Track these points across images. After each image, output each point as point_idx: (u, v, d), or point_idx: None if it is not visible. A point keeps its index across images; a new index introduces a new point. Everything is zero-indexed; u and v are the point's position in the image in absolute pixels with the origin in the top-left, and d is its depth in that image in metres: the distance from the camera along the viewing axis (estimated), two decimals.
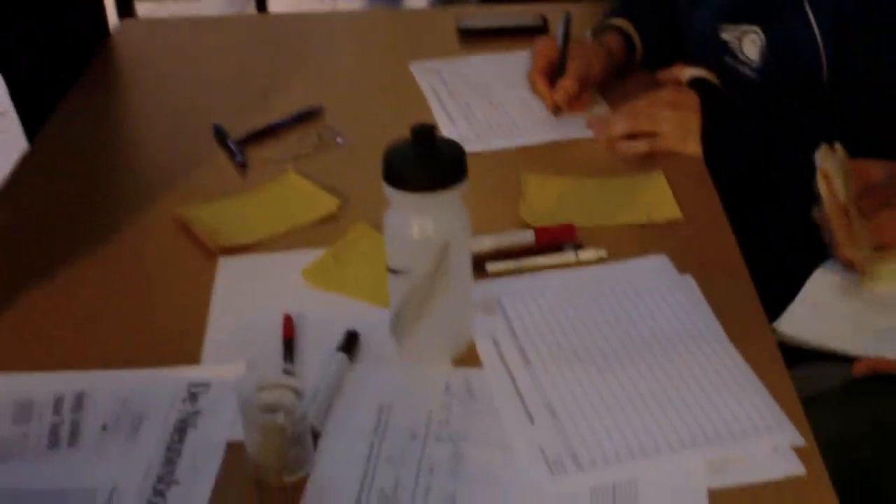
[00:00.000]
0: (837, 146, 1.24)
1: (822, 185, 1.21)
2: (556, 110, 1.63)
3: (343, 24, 2.16)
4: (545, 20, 1.93)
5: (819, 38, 1.47)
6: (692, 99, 1.53)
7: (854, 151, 1.27)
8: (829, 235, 1.24)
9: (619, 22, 1.76)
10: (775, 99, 1.54)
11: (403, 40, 1.99)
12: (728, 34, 1.59)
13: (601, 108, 1.66)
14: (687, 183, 1.47)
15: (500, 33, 1.93)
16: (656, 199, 1.42)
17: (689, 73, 1.59)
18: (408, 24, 2.11)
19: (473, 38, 1.93)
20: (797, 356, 1.60)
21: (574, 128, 1.60)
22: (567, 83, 1.61)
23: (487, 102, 1.69)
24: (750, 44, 1.56)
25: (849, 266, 1.24)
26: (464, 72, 1.79)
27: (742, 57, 1.57)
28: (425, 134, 1.06)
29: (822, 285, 1.28)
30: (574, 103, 1.63)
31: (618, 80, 1.72)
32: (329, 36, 2.02)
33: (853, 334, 1.23)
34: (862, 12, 1.45)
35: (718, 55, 1.60)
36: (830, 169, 1.21)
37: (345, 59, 1.90)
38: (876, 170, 1.25)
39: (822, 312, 1.26)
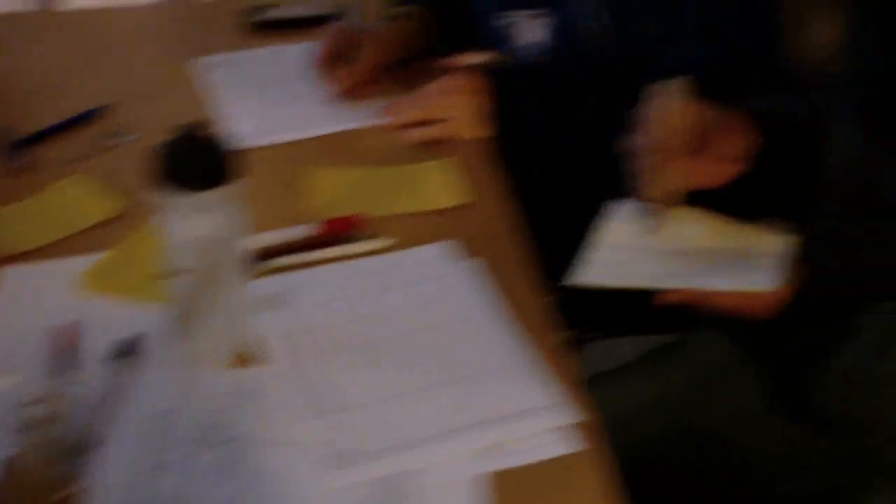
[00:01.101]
0: (681, 83, 1.20)
1: (649, 126, 1.18)
2: (343, 97, 1.62)
3: (133, 18, 2.10)
4: (341, 10, 1.93)
5: (601, 17, 1.51)
6: (480, 83, 1.54)
7: None
8: (640, 174, 1.21)
9: (412, 8, 1.76)
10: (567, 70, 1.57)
11: (195, 34, 1.95)
12: (506, 20, 1.61)
13: (393, 96, 1.66)
14: (478, 167, 1.48)
15: (295, 24, 1.91)
16: (447, 185, 1.43)
17: (476, 57, 1.61)
18: (200, 17, 2.07)
19: (267, 29, 1.91)
20: (595, 329, 1.64)
21: (365, 116, 1.60)
22: (353, 70, 1.61)
23: (279, 94, 1.67)
24: (528, 30, 1.59)
25: (651, 205, 1.21)
26: (257, 64, 1.77)
27: (522, 44, 1.60)
28: (192, 132, 1.05)
29: (619, 228, 1.26)
30: (364, 90, 1.63)
31: (415, 66, 1.73)
32: (119, 31, 1.98)
33: (653, 273, 1.21)
34: None
35: (497, 43, 1.63)
36: (667, 106, 1.18)
37: (134, 55, 1.86)
38: (705, 110, 1.23)
39: (620, 255, 1.24)
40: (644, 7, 1.50)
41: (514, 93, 1.54)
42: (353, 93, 1.62)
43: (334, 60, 1.64)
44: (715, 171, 1.21)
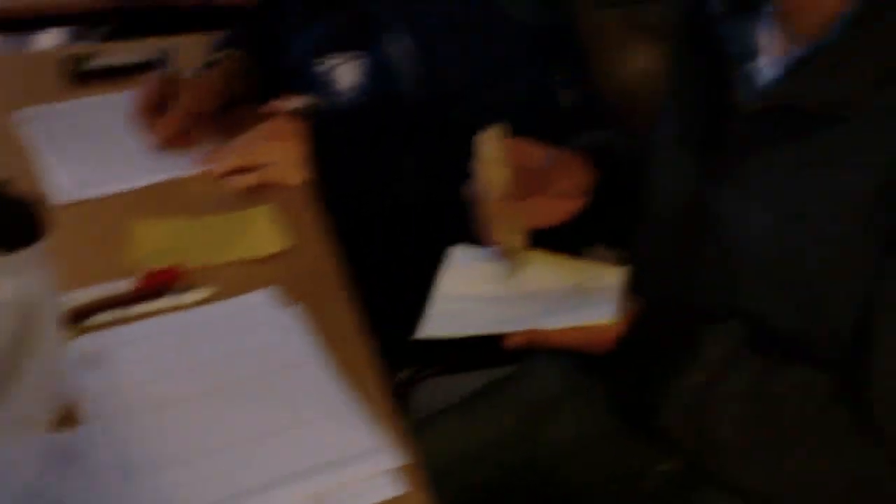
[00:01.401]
0: (496, 129, 1.21)
1: (480, 171, 1.20)
2: (161, 146, 1.61)
3: None
4: (164, 56, 1.90)
5: (413, 58, 1.54)
6: (297, 128, 1.54)
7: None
8: (482, 219, 1.23)
9: (232, 53, 1.76)
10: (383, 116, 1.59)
11: (15, 85, 1.90)
12: (322, 67, 1.63)
13: (214, 143, 1.65)
14: (300, 212, 1.49)
15: (119, 72, 1.88)
16: (269, 232, 1.43)
17: (295, 102, 1.62)
18: (20, 68, 2.02)
19: (90, 78, 1.87)
20: (430, 367, 1.66)
21: (186, 165, 1.58)
22: (170, 119, 1.59)
23: (100, 146, 1.64)
24: (345, 73, 1.61)
25: (500, 250, 1.23)
26: (79, 115, 1.74)
27: (337, 89, 1.62)
28: None
29: (460, 275, 1.26)
30: (182, 139, 1.62)
31: (238, 111, 1.72)
32: None
33: (497, 318, 1.21)
34: (448, 33, 1.52)
35: (317, 87, 1.65)
36: (488, 152, 1.20)
37: None
38: (535, 151, 1.27)
39: (463, 304, 1.23)
40: (447, 53, 1.54)
41: (331, 137, 1.55)
42: (172, 142, 1.60)
43: (152, 110, 1.63)
44: (556, 209, 1.26)
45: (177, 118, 1.60)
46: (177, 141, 1.61)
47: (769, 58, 1.11)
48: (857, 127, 1.00)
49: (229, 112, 1.71)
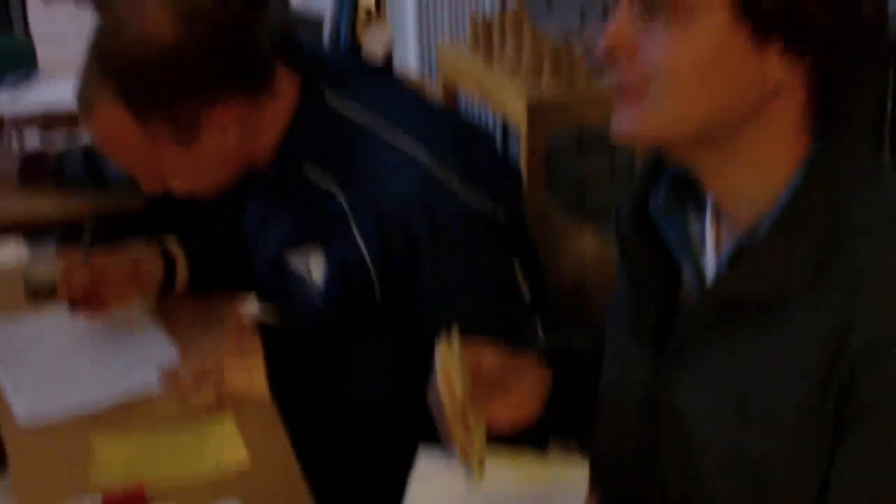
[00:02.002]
0: (452, 338, 1.23)
1: (439, 380, 1.21)
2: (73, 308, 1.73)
3: None
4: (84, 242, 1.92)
5: (369, 261, 1.58)
6: (255, 342, 1.59)
7: None
8: (441, 425, 1.24)
9: (167, 239, 1.84)
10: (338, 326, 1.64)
11: None
12: (295, 261, 1.67)
13: (165, 348, 1.69)
14: (257, 426, 1.51)
15: None
16: (225, 446, 1.45)
17: (251, 310, 1.66)
18: None
19: (42, 294, 1.90)
20: None
21: (145, 381, 1.60)
22: (78, 273, 1.71)
23: (56, 363, 1.67)
24: (315, 266, 1.65)
25: (461, 456, 1.22)
26: (32, 332, 1.76)
27: (309, 282, 1.65)
28: None
29: (425, 483, 1.28)
30: (94, 310, 1.74)
31: (163, 297, 1.81)
32: None
33: None
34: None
35: (286, 283, 1.68)
36: (445, 362, 1.21)
37: None
38: (491, 356, 1.29)
39: None
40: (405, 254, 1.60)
41: (285, 351, 1.60)
42: (83, 301, 1.72)
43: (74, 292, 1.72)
44: (513, 414, 1.27)
45: (83, 272, 1.71)
46: (87, 309, 1.74)
47: (712, 251, 1.17)
48: (795, 317, 1.04)
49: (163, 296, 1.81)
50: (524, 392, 1.30)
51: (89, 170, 2.33)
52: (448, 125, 1.67)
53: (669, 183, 1.19)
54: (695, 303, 1.14)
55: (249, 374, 1.57)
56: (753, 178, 1.09)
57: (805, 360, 1.03)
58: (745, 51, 1.03)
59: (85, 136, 2.60)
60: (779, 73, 1.04)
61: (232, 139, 1.57)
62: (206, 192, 1.67)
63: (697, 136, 1.07)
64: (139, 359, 1.67)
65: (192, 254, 1.83)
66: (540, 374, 1.33)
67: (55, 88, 3.20)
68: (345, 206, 1.59)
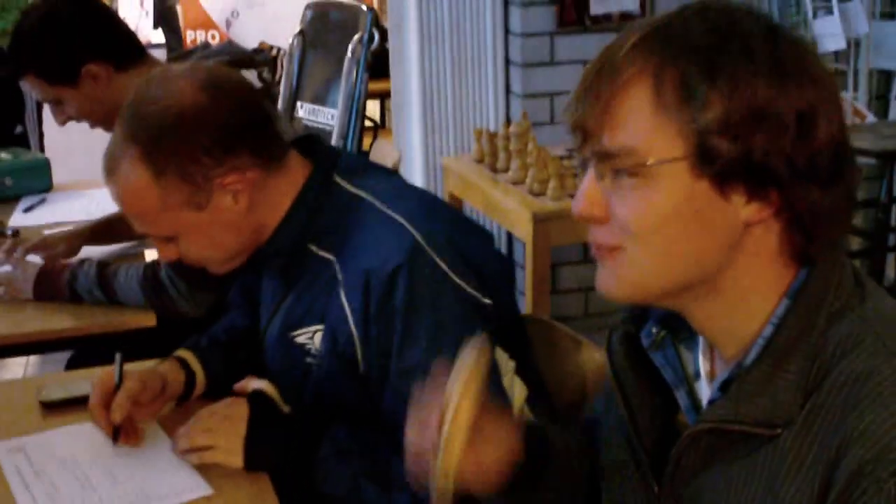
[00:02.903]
0: (483, 341, 1.23)
1: (452, 382, 1.19)
2: (116, 437, 1.74)
3: None
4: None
5: (352, 324, 1.65)
6: (242, 410, 1.65)
7: None
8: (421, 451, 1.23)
9: (182, 353, 1.91)
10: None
11: None
12: (301, 335, 1.75)
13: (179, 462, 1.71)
14: (246, 495, 1.57)
15: (83, 401, 1.94)
16: None
17: (253, 384, 1.71)
18: None
19: (56, 409, 1.93)
20: None
21: (162, 494, 1.62)
22: (118, 401, 1.73)
23: (73, 478, 1.69)
24: (317, 339, 1.72)
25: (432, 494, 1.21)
26: (48, 447, 1.79)
27: (312, 353, 1.74)
28: None
29: None
30: (133, 434, 1.76)
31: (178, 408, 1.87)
32: None
33: None
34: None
35: (298, 357, 1.76)
36: (470, 364, 1.20)
37: None
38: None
39: None
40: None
41: (270, 422, 1.67)
42: (123, 423, 1.74)
43: (105, 405, 1.76)
44: (484, 475, 1.26)
45: (124, 400, 1.73)
46: (131, 434, 1.76)
47: (706, 378, 1.19)
48: (789, 441, 1.06)
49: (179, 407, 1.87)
50: (496, 442, 1.27)
51: (103, 285, 2.37)
52: (446, 214, 1.79)
53: (658, 320, 1.22)
54: (690, 429, 1.15)
55: (234, 440, 1.64)
56: (740, 314, 1.12)
57: (802, 484, 1.04)
58: (710, 199, 1.06)
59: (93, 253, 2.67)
60: (748, 211, 1.07)
61: (242, 206, 1.68)
62: (217, 261, 1.77)
63: (677, 286, 1.10)
64: (155, 471, 1.69)
65: (208, 366, 1.91)
66: (512, 434, 1.29)
67: (66, 203, 3.27)
68: (338, 272, 1.68)
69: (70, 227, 2.78)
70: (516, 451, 1.28)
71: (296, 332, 1.76)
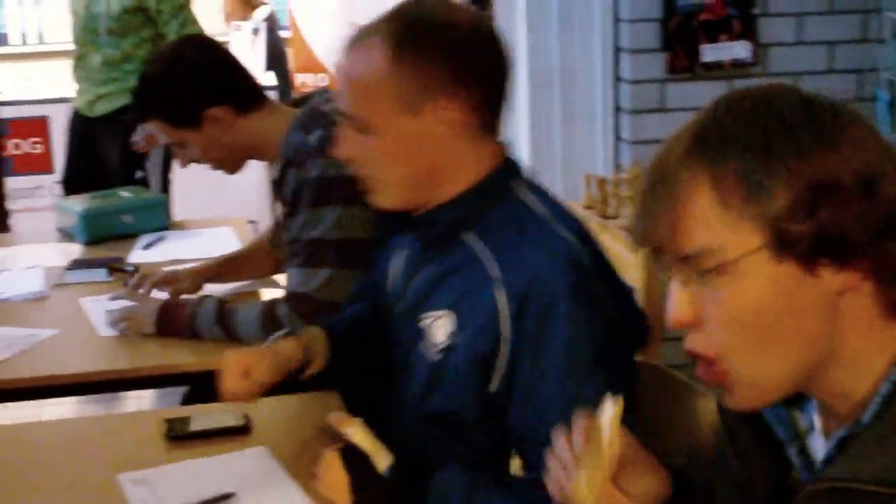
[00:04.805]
0: (616, 402, 1.28)
1: (589, 442, 1.25)
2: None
3: (50, 433, 2.17)
4: (248, 420, 2.02)
5: (503, 328, 1.64)
6: (341, 480, 1.67)
7: None
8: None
9: (311, 331, 1.98)
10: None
11: (112, 448, 2.01)
12: (425, 317, 1.76)
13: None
14: None
15: (206, 436, 1.99)
16: None
17: (344, 426, 1.70)
18: (116, 430, 2.15)
19: (181, 441, 1.98)
20: None
21: None
22: (250, 387, 1.85)
23: None
24: (440, 328, 1.73)
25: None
26: (173, 480, 1.84)
27: (432, 341, 1.74)
28: None
29: None
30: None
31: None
32: (35, 446, 2.04)
33: None
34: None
35: (413, 342, 1.77)
36: (608, 427, 1.25)
37: (51, 472, 1.91)
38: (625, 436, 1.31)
39: None
40: None
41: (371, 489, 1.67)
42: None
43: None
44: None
45: (255, 385, 1.83)
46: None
47: (820, 435, 1.18)
48: None
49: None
50: (636, 490, 1.30)
51: (222, 322, 2.42)
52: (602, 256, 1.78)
53: None
54: (808, 488, 1.14)
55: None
56: (853, 376, 1.11)
57: None
58: (799, 279, 1.07)
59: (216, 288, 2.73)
60: (838, 281, 1.07)
61: (447, 139, 1.71)
62: (384, 184, 1.77)
63: (800, 374, 1.11)
64: None
65: (337, 345, 1.96)
66: (659, 483, 1.33)
67: (184, 241, 3.35)
68: (496, 269, 1.67)
69: (191, 265, 2.85)
70: (663, 492, 1.31)
71: (423, 314, 1.76)
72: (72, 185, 4.77)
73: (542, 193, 1.80)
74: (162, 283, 2.71)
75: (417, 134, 1.70)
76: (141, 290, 2.64)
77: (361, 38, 1.72)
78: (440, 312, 1.73)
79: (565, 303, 1.62)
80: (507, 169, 1.79)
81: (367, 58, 1.70)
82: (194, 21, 4.70)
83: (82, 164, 4.83)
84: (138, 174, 4.71)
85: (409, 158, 1.72)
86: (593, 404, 1.30)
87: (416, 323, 1.77)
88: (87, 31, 4.70)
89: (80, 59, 4.79)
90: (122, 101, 4.57)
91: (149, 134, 4.31)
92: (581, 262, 1.67)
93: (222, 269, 2.86)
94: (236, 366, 1.85)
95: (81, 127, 4.85)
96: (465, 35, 1.70)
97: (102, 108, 4.75)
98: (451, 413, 1.71)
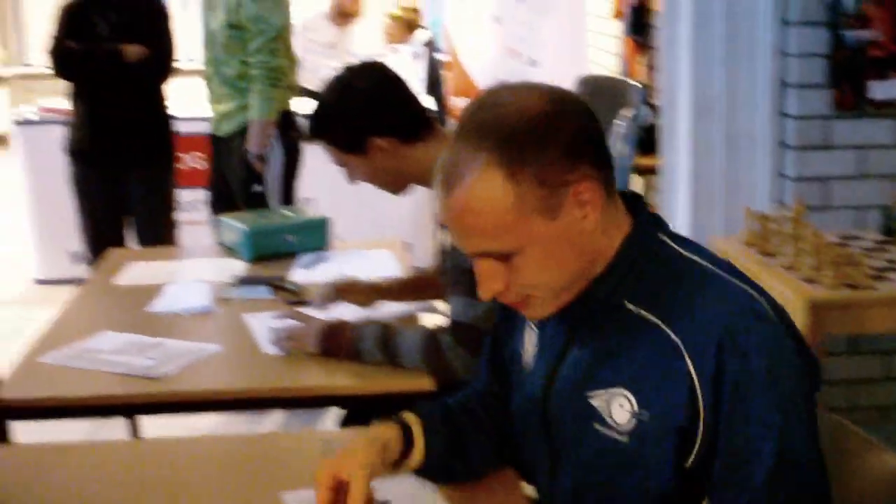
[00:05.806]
0: None
1: None
2: None
3: (211, 448, 2.23)
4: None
5: (700, 395, 1.55)
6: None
7: None
8: None
9: (408, 417, 1.85)
10: None
11: (275, 467, 2.04)
12: (597, 400, 1.65)
13: None
14: None
15: None
16: None
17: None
18: (279, 449, 2.18)
19: None
20: None
21: None
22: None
23: None
24: (618, 407, 1.62)
25: None
26: None
27: (610, 421, 1.63)
28: None
29: None
30: None
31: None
32: (196, 460, 2.08)
33: None
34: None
35: (586, 421, 1.66)
36: None
37: (213, 487, 1.95)
38: None
39: None
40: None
41: None
42: None
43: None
44: None
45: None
46: None
47: None
48: None
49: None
50: None
51: (385, 346, 2.45)
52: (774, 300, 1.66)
53: None
54: None
55: None
56: None
57: None
58: None
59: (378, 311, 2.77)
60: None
61: (591, 221, 1.60)
62: (551, 288, 1.65)
63: None
64: None
65: (430, 439, 1.84)
66: None
67: (343, 261, 3.40)
68: (670, 336, 1.58)
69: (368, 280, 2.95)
70: None
71: (592, 393, 1.66)
72: (214, 202, 4.89)
73: (688, 242, 1.71)
74: (343, 288, 2.85)
75: (565, 233, 1.60)
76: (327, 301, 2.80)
77: (460, 178, 1.57)
78: (614, 390, 1.63)
79: (759, 359, 1.53)
80: (644, 228, 1.69)
81: (480, 193, 1.56)
82: (274, 51, 4.60)
83: (219, 183, 4.91)
84: (255, 187, 4.72)
85: (566, 254, 1.62)
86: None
87: (583, 402, 1.67)
88: (208, 48, 4.75)
89: (207, 79, 4.82)
90: (241, 120, 4.65)
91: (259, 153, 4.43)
92: (763, 309, 1.58)
93: (395, 289, 2.92)
94: (328, 480, 1.70)
95: (215, 146, 4.91)
96: (556, 117, 1.58)
97: (226, 129, 4.77)
98: (645, 492, 1.62)
